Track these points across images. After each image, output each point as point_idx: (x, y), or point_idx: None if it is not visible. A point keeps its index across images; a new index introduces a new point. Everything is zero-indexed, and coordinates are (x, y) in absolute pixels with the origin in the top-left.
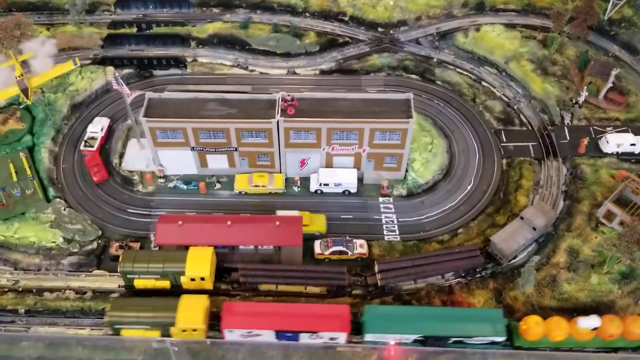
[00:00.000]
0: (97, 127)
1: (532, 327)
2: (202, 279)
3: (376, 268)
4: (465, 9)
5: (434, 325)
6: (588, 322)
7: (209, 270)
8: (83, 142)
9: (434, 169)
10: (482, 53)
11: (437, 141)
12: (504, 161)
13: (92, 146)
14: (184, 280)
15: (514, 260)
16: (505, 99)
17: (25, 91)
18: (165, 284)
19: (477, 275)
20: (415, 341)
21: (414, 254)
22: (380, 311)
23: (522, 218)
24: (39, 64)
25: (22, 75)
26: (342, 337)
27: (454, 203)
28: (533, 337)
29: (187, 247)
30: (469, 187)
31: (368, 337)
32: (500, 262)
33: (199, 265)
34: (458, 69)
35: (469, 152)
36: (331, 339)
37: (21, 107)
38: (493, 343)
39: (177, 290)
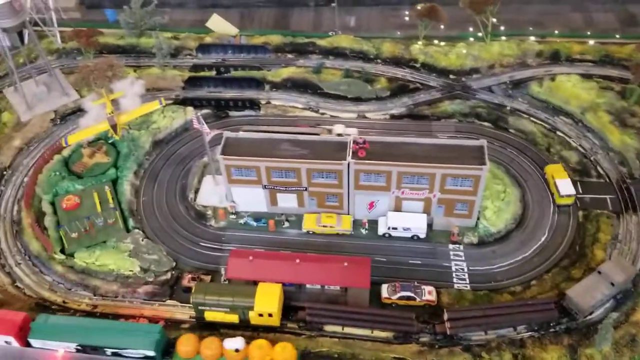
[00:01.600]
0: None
1: (184, 344)
2: (270, 315)
3: (445, 316)
4: (539, 59)
5: (90, 336)
6: (232, 344)
7: (277, 306)
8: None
9: (507, 218)
10: (557, 103)
11: (510, 190)
12: (580, 213)
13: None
14: (252, 315)
15: (590, 317)
16: (582, 150)
17: (114, 127)
18: (234, 318)
19: (551, 330)
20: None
21: (485, 304)
22: (48, 320)
23: (599, 272)
24: (128, 103)
25: (112, 113)
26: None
27: (527, 254)
28: (186, 355)
29: (255, 283)
30: (543, 239)
31: (33, 342)
32: (575, 317)
33: (267, 301)
34: (532, 118)
35: (543, 203)
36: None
37: (109, 142)
38: (147, 357)
39: (245, 326)
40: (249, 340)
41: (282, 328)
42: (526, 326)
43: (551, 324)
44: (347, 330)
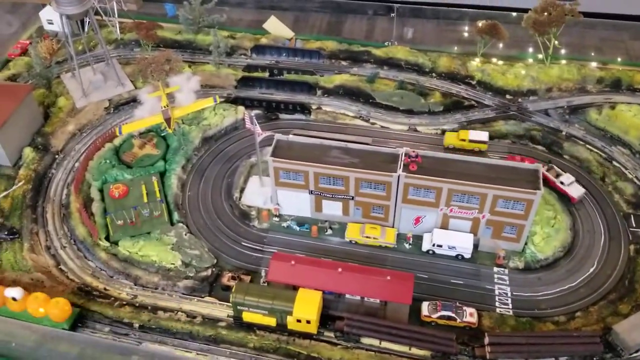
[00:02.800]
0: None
1: None
2: (308, 322)
3: (486, 340)
4: (600, 85)
5: None
6: (11, 292)
7: (316, 313)
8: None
9: (555, 245)
10: (616, 132)
11: (561, 217)
12: (632, 247)
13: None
14: (289, 320)
15: (635, 354)
16: (638, 183)
17: (168, 121)
18: (272, 321)
19: None
20: None
21: (527, 331)
22: None
23: None
24: (183, 98)
25: (167, 106)
26: None
27: (573, 284)
28: None
29: (294, 288)
30: (591, 269)
31: None
32: (620, 353)
33: (307, 307)
34: (588, 145)
35: (594, 233)
36: None
37: (160, 134)
38: None
39: (281, 330)
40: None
41: (318, 336)
42: (568, 358)
43: (594, 358)
44: (385, 344)
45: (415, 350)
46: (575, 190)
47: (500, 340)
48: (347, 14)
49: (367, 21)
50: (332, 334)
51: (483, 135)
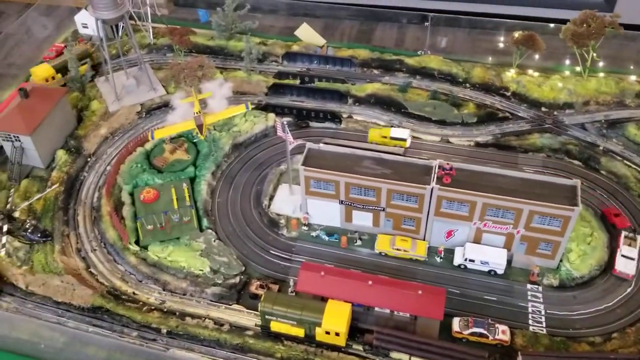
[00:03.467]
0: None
1: None
2: (337, 334)
3: (520, 359)
4: (639, 100)
5: None
6: None
7: (345, 326)
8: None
9: (592, 264)
10: None
11: (598, 234)
12: None
13: None
14: (318, 332)
15: None
16: None
17: (200, 127)
18: (300, 332)
19: None
20: None
21: (562, 352)
22: None
23: None
24: (215, 104)
25: (200, 112)
26: None
27: (610, 304)
28: None
29: (323, 299)
30: (629, 289)
31: None
32: None
33: (336, 319)
34: (626, 161)
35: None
36: None
37: (192, 140)
38: None
39: (309, 341)
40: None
41: (346, 348)
42: None
43: None
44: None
45: None
46: (625, 267)
47: (533, 359)
48: (378, 22)
49: (398, 30)
50: (360, 347)
51: (404, 133)
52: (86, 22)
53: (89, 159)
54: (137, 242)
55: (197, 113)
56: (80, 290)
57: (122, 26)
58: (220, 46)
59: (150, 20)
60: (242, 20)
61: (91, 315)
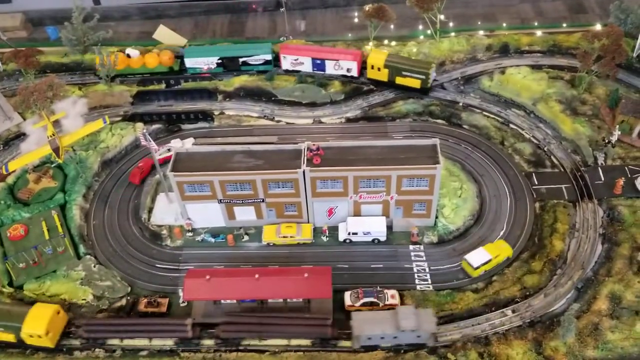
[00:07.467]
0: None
1: None
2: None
3: None
4: (489, 53)
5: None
6: None
7: (45, 328)
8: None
9: (465, 215)
10: (509, 95)
11: (467, 186)
12: (537, 205)
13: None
14: (24, 335)
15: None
16: (535, 141)
17: (56, 150)
18: (11, 337)
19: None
20: None
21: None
22: None
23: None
24: (71, 124)
25: (54, 135)
26: None
27: None
28: None
29: (215, 302)
30: (501, 233)
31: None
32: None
33: (36, 322)
34: (485, 113)
35: (500, 197)
36: None
37: (53, 165)
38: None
39: (25, 345)
40: None
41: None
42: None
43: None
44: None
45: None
46: None
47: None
48: (240, 12)
49: (269, 18)
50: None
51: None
52: None
53: None
54: (10, 284)
55: (51, 136)
56: None
57: None
58: (75, 61)
59: None
60: (95, 31)
61: None
